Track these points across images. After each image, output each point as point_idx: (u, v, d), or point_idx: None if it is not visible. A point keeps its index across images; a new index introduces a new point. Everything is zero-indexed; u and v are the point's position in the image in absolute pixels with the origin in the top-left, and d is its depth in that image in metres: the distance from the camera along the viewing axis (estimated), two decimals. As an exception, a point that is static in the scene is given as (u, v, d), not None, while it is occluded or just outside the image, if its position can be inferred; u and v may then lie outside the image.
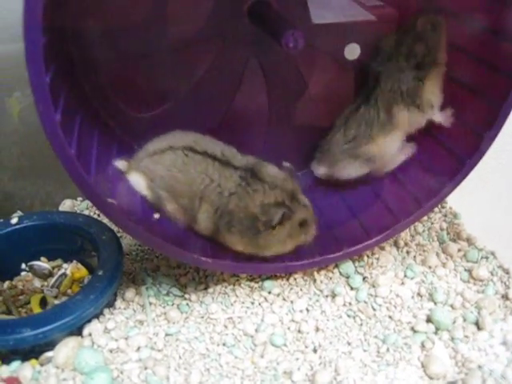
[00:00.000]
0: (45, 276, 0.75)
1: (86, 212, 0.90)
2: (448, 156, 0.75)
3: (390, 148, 0.77)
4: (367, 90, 0.77)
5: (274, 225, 0.66)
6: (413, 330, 0.68)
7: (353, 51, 0.79)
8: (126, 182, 0.69)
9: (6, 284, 0.74)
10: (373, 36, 0.79)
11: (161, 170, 0.68)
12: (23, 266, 0.76)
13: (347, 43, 0.79)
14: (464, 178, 0.73)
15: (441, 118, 0.77)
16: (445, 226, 0.87)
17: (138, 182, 0.69)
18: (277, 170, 0.69)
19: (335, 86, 0.82)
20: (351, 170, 0.79)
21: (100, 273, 0.66)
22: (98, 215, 0.87)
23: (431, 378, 0.61)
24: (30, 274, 0.75)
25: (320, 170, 0.80)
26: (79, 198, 0.94)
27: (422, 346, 0.65)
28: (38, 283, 0.74)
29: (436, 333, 0.67)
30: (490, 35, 0.70)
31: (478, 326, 0.68)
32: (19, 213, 0.89)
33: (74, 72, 0.70)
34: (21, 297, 0.72)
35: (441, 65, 0.75)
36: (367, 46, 0.80)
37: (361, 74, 0.81)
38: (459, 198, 0.85)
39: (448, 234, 0.85)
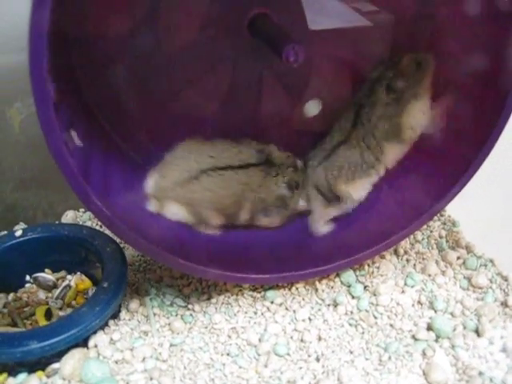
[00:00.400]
0: (49, 288, 0.75)
1: (89, 223, 0.91)
2: (447, 165, 0.76)
3: (364, 191, 0.79)
4: (348, 123, 0.77)
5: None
6: (414, 338, 0.68)
7: (313, 108, 0.81)
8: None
9: (11, 296, 0.74)
10: (369, 41, 0.80)
11: (201, 193, 0.72)
12: (27, 277, 0.76)
13: (309, 99, 0.82)
14: (463, 186, 0.73)
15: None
16: (444, 233, 0.88)
17: (177, 211, 0.73)
18: (282, 153, 0.77)
19: (333, 90, 0.83)
20: (317, 207, 0.80)
21: (105, 285, 0.67)
22: (101, 226, 0.88)
23: (432, 386, 0.62)
24: (34, 285, 0.76)
25: (301, 205, 0.80)
26: (81, 209, 0.94)
27: (423, 353, 0.66)
28: (42, 295, 0.74)
29: (437, 340, 0.68)
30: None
31: (478, 333, 0.69)
32: (22, 224, 0.90)
33: (79, 88, 0.71)
34: (26, 308, 0.72)
35: (423, 98, 0.75)
36: (363, 52, 0.81)
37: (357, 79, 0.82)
38: (458, 206, 0.86)
39: (447, 241, 0.86)
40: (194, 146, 0.74)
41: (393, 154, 0.77)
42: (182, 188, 0.72)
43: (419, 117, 0.76)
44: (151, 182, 0.72)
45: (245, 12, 0.72)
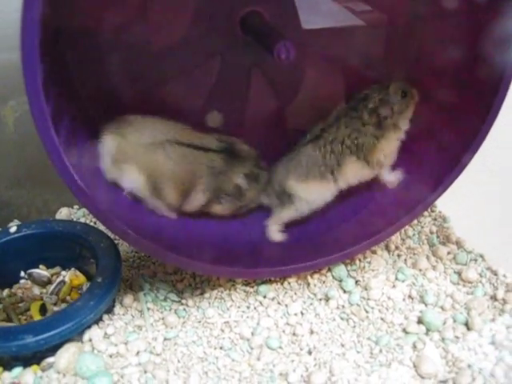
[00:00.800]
0: (44, 283, 0.76)
1: (83, 219, 0.92)
2: (436, 162, 0.77)
3: (319, 196, 0.78)
4: (319, 127, 0.77)
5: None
6: (404, 331, 0.69)
7: (214, 119, 0.81)
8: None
9: (6, 292, 0.75)
10: (362, 40, 0.81)
11: (161, 160, 0.72)
12: (22, 273, 0.77)
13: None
14: (451, 182, 0.74)
15: (388, 178, 0.78)
16: (434, 229, 0.89)
17: (132, 174, 0.72)
18: (247, 147, 0.77)
19: (325, 88, 0.84)
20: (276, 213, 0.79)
21: (99, 280, 0.67)
22: (95, 223, 0.89)
23: (423, 378, 0.63)
24: (29, 281, 0.76)
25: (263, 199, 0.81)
26: (75, 206, 0.95)
27: (414, 346, 0.67)
28: (37, 290, 0.75)
29: (427, 334, 0.69)
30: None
31: (468, 326, 0.70)
32: (16, 221, 0.90)
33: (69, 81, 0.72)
34: (20, 304, 0.73)
35: (400, 130, 0.76)
36: (356, 51, 0.82)
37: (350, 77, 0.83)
38: (448, 202, 0.87)
39: (438, 237, 0.87)
40: (159, 121, 0.74)
41: (353, 169, 0.76)
42: (144, 152, 0.72)
43: (393, 146, 0.76)
44: (111, 142, 0.72)
45: (237, 9, 0.73)
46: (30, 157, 0.91)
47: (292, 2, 0.75)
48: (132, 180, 0.72)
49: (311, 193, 0.77)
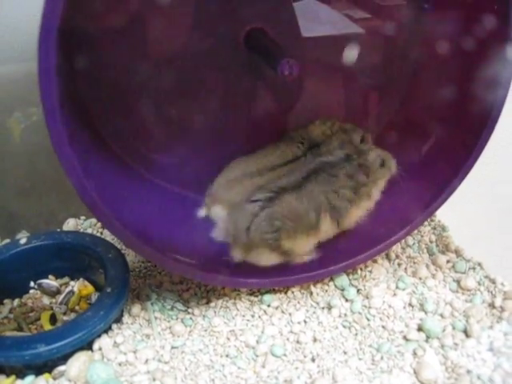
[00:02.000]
0: (53, 293, 0.78)
1: (89, 230, 0.93)
2: (435, 173, 0.79)
3: (308, 247, 0.77)
4: (303, 171, 0.76)
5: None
6: (405, 338, 0.71)
7: (351, 54, 0.82)
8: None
9: (16, 302, 0.76)
10: (362, 47, 0.83)
11: (241, 190, 0.75)
12: (32, 284, 0.79)
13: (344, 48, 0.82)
14: (451, 193, 0.77)
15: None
16: (434, 238, 0.91)
17: (217, 210, 0.77)
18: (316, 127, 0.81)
19: (326, 97, 0.87)
20: (265, 260, 0.75)
21: (108, 290, 0.69)
22: (101, 233, 0.91)
23: (423, 384, 0.65)
24: (38, 291, 0.78)
25: (235, 255, 0.75)
26: (82, 217, 0.97)
27: (414, 353, 0.69)
28: (46, 300, 0.77)
29: (427, 341, 0.71)
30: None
31: (467, 333, 0.72)
32: (24, 232, 0.92)
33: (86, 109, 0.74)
34: (31, 314, 0.75)
35: (371, 199, 0.78)
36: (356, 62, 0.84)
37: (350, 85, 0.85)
38: (448, 212, 0.89)
39: (437, 246, 0.89)
40: (237, 160, 0.79)
41: (327, 227, 0.76)
42: (222, 189, 0.76)
43: (360, 214, 0.78)
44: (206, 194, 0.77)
45: (241, 27, 0.75)
46: (36, 168, 0.93)
47: (295, 19, 0.77)
48: (218, 216, 0.76)
49: (304, 246, 0.76)
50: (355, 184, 0.75)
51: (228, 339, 0.71)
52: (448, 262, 0.85)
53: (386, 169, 0.77)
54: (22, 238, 0.79)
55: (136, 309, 0.74)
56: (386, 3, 0.83)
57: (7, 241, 0.88)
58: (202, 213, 0.79)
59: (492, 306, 0.76)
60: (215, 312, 0.75)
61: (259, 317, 0.74)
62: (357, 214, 0.77)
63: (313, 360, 0.68)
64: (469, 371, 0.66)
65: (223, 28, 0.75)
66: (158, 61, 0.75)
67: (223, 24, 0.75)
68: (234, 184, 0.77)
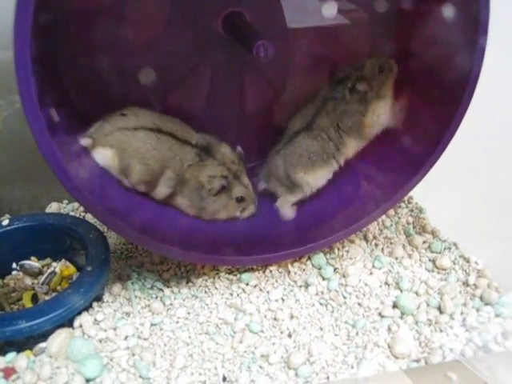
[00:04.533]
0: (35, 274, 0.79)
1: (72, 214, 0.94)
2: (410, 154, 0.80)
3: (324, 180, 0.83)
4: (313, 108, 0.81)
5: (214, 193, 0.78)
6: (380, 315, 0.73)
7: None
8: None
9: (-1, 282, 0.78)
10: (346, 39, 0.85)
11: (135, 142, 0.75)
12: (14, 265, 0.80)
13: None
14: (425, 174, 0.78)
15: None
16: (411, 220, 0.92)
17: (106, 153, 0.75)
18: (229, 150, 0.80)
19: (311, 85, 0.87)
20: (280, 193, 0.84)
21: (89, 268, 0.71)
22: (84, 217, 0.92)
23: (397, 358, 0.67)
24: (20, 272, 0.79)
25: (260, 186, 0.85)
26: (65, 201, 0.98)
27: (389, 329, 0.71)
28: (28, 281, 0.78)
29: (401, 317, 0.73)
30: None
31: (440, 310, 0.73)
32: (7, 216, 0.93)
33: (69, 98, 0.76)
34: (13, 294, 0.76)
35: (385, 97, 0.80)
36: (341, 50, 0.85)
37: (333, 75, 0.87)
38: (425, 194, 0.91)
39: (414, 227, 0.91)
40: (144, 111, 0.78)
41: (352, 147, 0.82)
42: (119, 132, 0.75)
43: (381, 116, 0.80)
44: (94, 126, 0.76)
45: (219, 10, 0.76)
46: (19, 154, 0.94)
47: (274, 1, 0.78)
48: (103, 155, 0.75)
49: (319, 179, 0.82)
50: (359, 96, 0.79)
51: (207, 316, 0.72)
52: (424, 242, 0.87)
53: (386, 72, 0.79)
54: (4, 219, 0.79)
55: (117, 288, 0.75)
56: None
57: (-11, 224, 0.88)
58: (85, 142, 0.75)
59: (466, 284, 0.78)
60: (195, 290, 0.76)
61: (237, 295, 0.76)
62: (375, 115, 0.80)
63: (289, 336, 0.70)
64: (441, 346, 0.68)
65: (201, 13, 0.76)
66: (137, 45, 0.76)
67: (201, 9, 0.76)
68: (132, 133, 0.77)
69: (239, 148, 0.81)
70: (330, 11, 0.82)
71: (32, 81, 0.54)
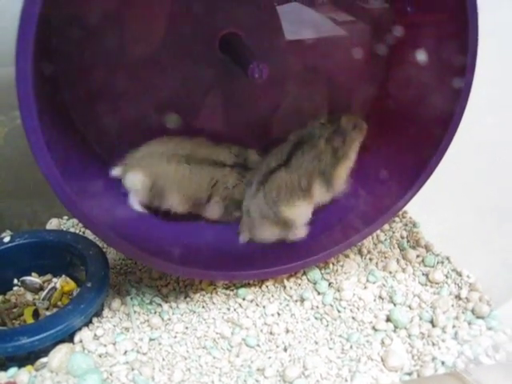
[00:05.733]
0: (36, 290, 0.80)
1: (72, 229, 0.96)
2: (404, 170, 0.82)
3: (306, 215, 0.82)
4: (287, 148, 0.80)
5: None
6: (374, 328, 0.75)
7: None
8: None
9: (0, 298, 0.79)
10: (345, 51, 0.86)
11: (167, 168, 0.78)
12: (15, 281, 0.81)
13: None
14: (419, 189, 0.79)
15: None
16: (405, 234, 0.94)
17: (136, 176, 0.78)
18: (257, 156, 0.84)
19: (308, 98, 0.89)
20: (270, 235, 0.82)
21: (89, 285, 0.72)
22: (83, 232, 0.93)
23: (390, 371, 0.68)
24: (21, 288, 0.81)
25: (242, 238, 0.83)
26: (65, 217, 0.99)
27: (382, 342, 0.72)
28: (29, 297, 0.79)
29: (395, 331, 0.74)
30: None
31: (433, 323, 0.75)
32: (8, 232, 0.94)
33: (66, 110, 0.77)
34: (14, 310, 0.77)
35: (349, 159, 0.81)
36: (339, 61, 0.87)
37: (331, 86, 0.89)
38: (418, 209, 0.93)
39: (408, 241, 0.93)
40: (174, 139, 0.80)
41: (319, 190, 0.81)
42: (151, 158, 0.78)
43: (343, 174, 0.82)
44: (127, 155, 0.79)
45: (216, 31, 0.78)
46: (19, 170, 0.95)
47: (271, 23, 0.81)
48: (133, 181, 0.78)
49: (302, 215, 0.81)
50: (333, 149, 0.79)
51: (204, 331, 0.74)
52: (418, 256, 0.88)
53: (358, 130, 0.81)
54: (6, 236, 0.81)
55: (116, 303, 0.77)
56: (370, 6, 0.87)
57: (-9, 240, 0.90)
58: (116, 172, 0.79)
59: (458, 297, 0.80)
60: (192, 305, 0.78)
61: (234, 310, 0.77)
62: (340, 174, 0.81)
63: (285, 350, 0.71)
64: (434, 358, 0.69)
65: (199, 33, 0.78)
66: (136, 63, 0.78)
67: (199, 29, 0.78)
68: (162, 159, 0.79)
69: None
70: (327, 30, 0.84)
71: (32, 96, 0.55)
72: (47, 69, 0.70)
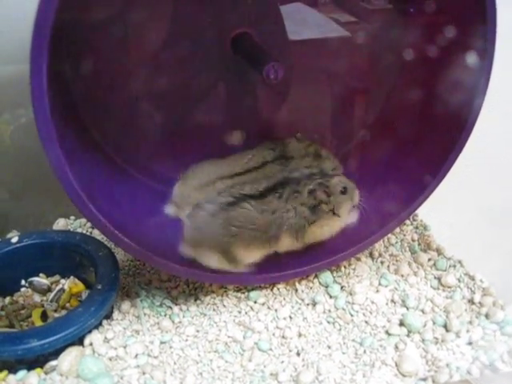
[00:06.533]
0: (44, 291, 0.79)
1: (79, 230, 0.95)
2: (415, 175, 0.81)
3: (258, 258, 0.76)
4: (263, 182, 0.76)
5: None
6: (387, 333, 0.74)
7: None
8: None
9: (8, 299, 0.78)
10: (347, 51, 0.86)
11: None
12: (23, 282, 0.80)
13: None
14: (430, 193, 0.79)
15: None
16: (416, 237, 0.93)
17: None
18: (295, 142, 0.82)
19: (312, 99, 0.88)
20: (209, 261, 0.74)
21: (99, 287, 0.71)
22: (91, 233, 0.92)
23: (404, 376, 0.67)
24: (29, 289, 0.80)
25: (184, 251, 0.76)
26: (72, 217, 0.98)
27: (396, 347, 0.71)
28: (37, 298, 0.78)
29: (408, 335, 0.73)
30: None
31: (447, 328, 0.74)
32: (14, 232, 0.93)
33: (74, 105, 0.76)
34: (22, 311, 0.76)
35: (339, 219, 0.77)
36: (341, 61, 0.86)
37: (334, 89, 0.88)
38: (429, 212, 0.92)
39: (419, 244, 0.92)
40: (209, 162, 0.80)
41: (286, 245, 0.77)
42: (196, 193, 0.77)
43: (325, 234, 0.78)
44: (175, 190, 0.79)
45: (228, 31, 0.77)
46: (25, 169, 0.94)
47: (280, 23, 0.79)
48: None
49: (254, 258, 0.77)
50: (315, 202, 0.75)
51: (215, 334, 0.73)
52: (429, 260, 0.87)
53: (347, 197, 0.77)
54: (14, 236, 0.80)
55: (126, 306, 0.76)
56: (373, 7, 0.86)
57: (-2, 240, 0.89)
58: (171, 211, 0.79)
59: (471, 301, 0.79)
60: (203, 308, 0.77)
61: (246, 313, 0.76)
62: (319, 232, 0.77)
63: (298, 354, 0.70)
64: (448, 364, 0.68)
65: (210, 33, 0.77)
66: (146, 65, 0.77)
67: (210, 29, 0.77)
68: (207, 187, 0.78)
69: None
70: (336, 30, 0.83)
71: (45, 87, 0.54)
72: (59, 66, 0.69)
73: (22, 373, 0.66)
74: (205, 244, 0.73)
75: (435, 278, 0.84)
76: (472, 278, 0.83)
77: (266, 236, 0.74)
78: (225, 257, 0.74)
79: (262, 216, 0.73)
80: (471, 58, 0.73)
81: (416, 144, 0.82)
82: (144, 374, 0.66)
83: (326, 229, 0.77)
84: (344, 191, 0.76)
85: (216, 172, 0.78)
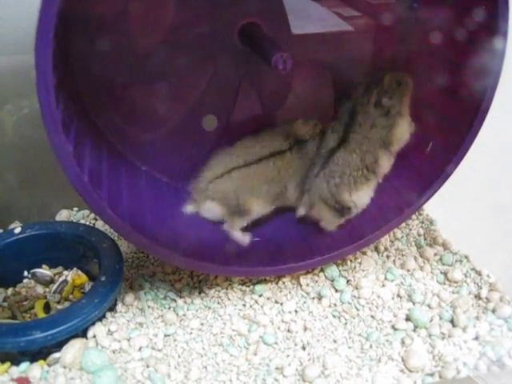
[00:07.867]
0: (47, 283, 0.79)
1: (82, 221, 0.94)
2: (423, 169, 0.80)
3: (368, 197, 0.80)
4: (341, 124, 0.79)
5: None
6: (393, 328, 0.73)
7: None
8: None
9: (10, 291, 0.77)
10: (351, 45, 0.85)
11: (231, 184, 0.78)
12: (25, 273, 0.79)
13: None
14: (438, 188, 0.78)
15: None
16: (422, 231, 0.92)
17: (211, 207, 0.79)
18: (302, 126, 0.84)
19: (315, 93, 0.87)
20: (327, 217, 0.81)
21: (103, 279, 0.70)
22: (94, 224, 0.92)
23: (411, 371, 0.67)
24: (32, 281, 0.79)
25: (300, 211, 0.81)
26: (75, 208, 0.97)
27: (402, 342, 0.70)
28: (40, 289, 0.78)
29: (415, 330, 0.73)
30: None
31: (453, 323, 0.73)
32: (17, 223, 0.93)
33: (80, 97, 0.75)
34: (25, 302, 0.75)
35: (405, 116, 0.78)
36: (345, 56, 0.85)
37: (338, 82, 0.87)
38: (435, 206, 0.91)
39: (425, 239, 0.91)
40: (222, 153, 0.80)
41: (386, 160, 0.79)
42: (213, 185, 0.77)
43: (404, 132, 0.79)
44: (191, 188, 0.80)
45: (237, 20, 0.76)
46: (28, 160, 0.94)
47: (285, 15, 0.79)
48: (208, 210, 0.79)
49: (364, 198, 0.80)
50: (384, 110, 0.77)
51: (220, 328, 0.72)
52: (435, 254, 0.87)
53: (403, 88, 0.78)
54: (17, 227, 0.79)
55: (129, 298, 0.75)
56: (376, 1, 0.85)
57: (0, 231, 0.88)
58: (190, 208, 0.80)
59: (478, 297, 0.78)
60: (207, 301, 0.76)
61: (250, 306, 0.76)
62: (399, 131, 0.79)
63: (303, 348, 0.70)
64: (455, 359, 0.68)
65: (218, 23, 0.76)
66: (152, 54, 0.76)
67: (218, 18, 0.76)
68: (223, 179, 0.78)
69: None
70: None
71: (51, 73, 0.53)
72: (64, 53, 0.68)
73: (24, 365, 0.65)
74: (316, 204, 0.79)
75: (441, 272, 0.83)
76: (479, 273, 0.83)
77: (365, 170, 0.78)
78: (338, 210, 0.79)
79: (354, 155, 0.77)
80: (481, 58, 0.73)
81: (423, 140, 0.81)
82: (148, 367, 0.65)
83: (402, 128, 0.79)
84: (399, 84, 0.78)
85: (231, 162, 0.78)
